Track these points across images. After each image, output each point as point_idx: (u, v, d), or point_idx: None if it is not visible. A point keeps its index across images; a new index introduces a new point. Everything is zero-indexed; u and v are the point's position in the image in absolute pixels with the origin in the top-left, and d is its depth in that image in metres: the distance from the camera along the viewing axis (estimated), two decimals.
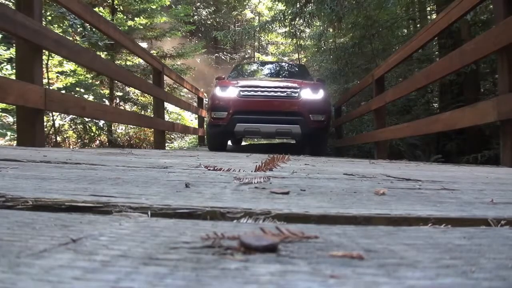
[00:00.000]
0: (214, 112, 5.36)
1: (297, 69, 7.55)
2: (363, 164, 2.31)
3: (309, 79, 6.48)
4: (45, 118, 4.53)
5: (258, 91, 5.27)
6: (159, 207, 0.63)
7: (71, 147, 7.52)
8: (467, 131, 5.92)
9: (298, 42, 14.01)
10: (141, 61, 8.36)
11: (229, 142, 8.93)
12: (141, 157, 2.16)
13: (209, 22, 22.62)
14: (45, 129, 5.91)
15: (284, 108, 5.23)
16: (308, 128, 5.20)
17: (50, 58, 6.80)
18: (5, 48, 6.61)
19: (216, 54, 23.74)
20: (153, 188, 0.83)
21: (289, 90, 5.27)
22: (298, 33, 12.71)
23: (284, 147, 8.37)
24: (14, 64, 4.47)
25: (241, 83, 5.46)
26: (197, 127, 10.07)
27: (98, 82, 8.85)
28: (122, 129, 9.52)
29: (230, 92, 5.32)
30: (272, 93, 5.26)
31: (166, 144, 8.25)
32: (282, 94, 5.27)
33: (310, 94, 5.33)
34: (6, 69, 6.52)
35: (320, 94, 5.41)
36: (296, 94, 5.27)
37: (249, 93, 5.27)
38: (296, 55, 17.09)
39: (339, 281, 0.33)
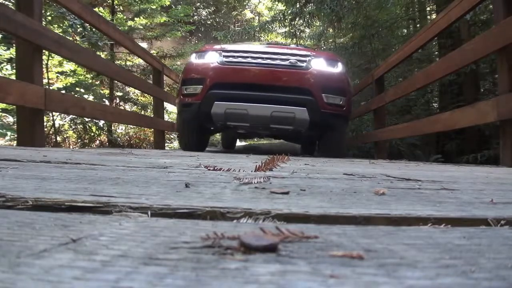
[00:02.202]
0: (186, 87, 3.86)
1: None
2: (363, 164, 2.31)
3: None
4: (45, 118, 4.53)
5: (248, 57, 3.77)
6: (159, 207, 0.63)
7: (71, 147, 7.52)
8: (467, 131, 5.92)
9: (298, 42, 14.02)
10: (141, 61, 8.36)
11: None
12: (141, 157, 2.16)
13: (209, 22, 22.61)
14: (45, 129, 5.91)
15: (285, 81, 3.70)
16: (320, 113, 3.65)
17: (50, 58, 6.80)
18: (5, 48, 6.60)
19: None
20: (153, 188, 0.84)
21: (293, 57, 3.78)
22: (298, 33, 12.70)
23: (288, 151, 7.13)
24: (14, 64, 4.47)
25: (226, 47, 4.04)
26: None
27: (98, 82, 8.85)
28: (122, 129, 9.51)
29: (210, 58, 3.80)
30: (269, 61, 3.73)
31: (166, 144, 8.25)
32: (284, 63, 3.75)
33: (324, 66, 3.82)
34: (6, 69, 6.52)
35: (338, 68, 3.90)
36: (304, 64, 3.75)
37: (235, 60, 3.77)
38: None
39: (339, 281, 0.33)
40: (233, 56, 3.80)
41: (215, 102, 3.63)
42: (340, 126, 4.07)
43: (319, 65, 3.82)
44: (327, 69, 3.84)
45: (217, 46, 4.06)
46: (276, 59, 3.77)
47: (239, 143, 14.08)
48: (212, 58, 3.81)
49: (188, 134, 4.18)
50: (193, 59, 3.98)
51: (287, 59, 3.77)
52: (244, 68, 3.72)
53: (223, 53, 3.80)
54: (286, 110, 3.63)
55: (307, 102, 3.64)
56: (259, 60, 3.76)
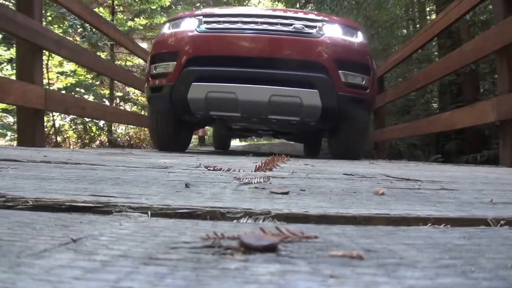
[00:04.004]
0: (155, 65, 3.01)
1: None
2: (363, 164, 2.31)
3: None
4: (45, 118, 4.54)
5: (238, 22, 2.85)
6: (159, 207, 0.63)
7: (71, 147, 7.52)
8: (466, 131, 5.92)
9: None
10: (141, 61, 8.36)
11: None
12: (141, 157, 2.16)
13: None
14: (45, 129, 5.91)
15: (288, 53, 2.80)
16: (336, 96, 2.77)
17: (50, 58, 6.80)
18: (6, 48, 6.61)
19: None
20: (153, 188, 0.84)
21: (299, 22, 2.84)
22: None
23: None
24: (14, 65, 4.48)
25: (208, 11, 3.14)
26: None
27: (98, 82, 8.84)
28: (122, 129, 9.51)
29: (187, 26, 2.92)
30: (266, 27, 2.82)
31: None
32: (286, 29, 2.82)
33: (340, 34, 2.91)
34: (7, 69, 6.52)
35: (358, 37, 2.99)
36: (313, 31, 2.84)
37: (220, 26, 2.87)
38: None
39: (339, 281, 0.33)
40: (218, 22, 2.88)
41: (193, 84, 2.74)
42: (362, 116, 3.08)
43: (334, 32, 2.88)
44: (344, 38, 2.90)
45: (198, 12, 3.10)
46: (276, 23, 2.83)
47: (238, 143, 14.06)
48: (189, 26, 2.90)
49: (162, 129, 3.24)
50: (166, 29, 3.07)
51: (291, 24, 2.82)
52: (232, 36, 2.82)
53: (205, 19, 2.90)
54: (290, 93, 2.70)
55: (319, 81, 2.72)
56: (253, 26, 2.83)
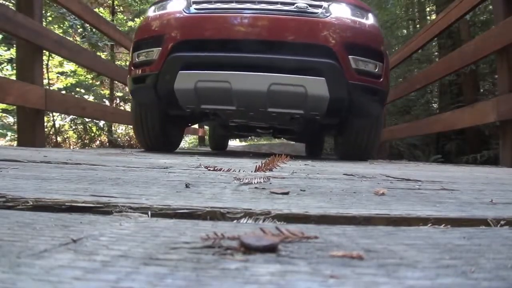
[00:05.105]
0: (138, 52, 2.67)
1: None
2: (363, 165, 2.32)
3: None
4: (45, 119, 4.54)
5: (231, 1, 2.55)
6: (159, 207, 0.63)
7: (71, 147, 7.52)
8: (466, 131, 5.93)
9: None
10: None
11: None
12: (141, 157, 2.16)
13: None
14: (46, 130, 5.91)
15: (290, 36, 2.49)
16: (346, 86, 2.45)
17: (50, 58, 6.81)
18: (6, 48, 6.61)
19: None
20: (153, 189, 0.84)
21: (302, 1, 2.53)
22: None
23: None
24: (14, 65, 4.48)
25: None
26: (197, 127, 10.08)
27: (98, 82, 8.86)
28: (122, 129, 9.52)
29: (173, 7, 2.61)
30: (264, 5, 2.52)
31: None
32: (288, 8, 2.51)
33: (348, 14, 2.60)
34: (7, 69, 6.52)
35: (369, 19, 2.67)
36: (319, 11, 2.53)
37: (210, 6, 2.56)
38: None
39: (339, 281, 0.33)
40: (209, 1, 2.57)
41: (180, 72, 2.42)
42: (376, 109, 2.75)
43: (342, 13, 2.57)
44: (354, 20, 2.59)
45: None
46: (276, 2, 2.53)
47: (238, 143, 14.05)
48: (177, 7, 2.59)
49: (147, 126, 2.91)
50: (151, 12, 2.75)
51: (293, 3, 2.52)
52: (225, 17, 2.50)
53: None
54: (292, 82, 2.40)
55: (326, 67, 2.40)
56: (249, 5, 2.52)
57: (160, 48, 2.50)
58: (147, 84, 2.59)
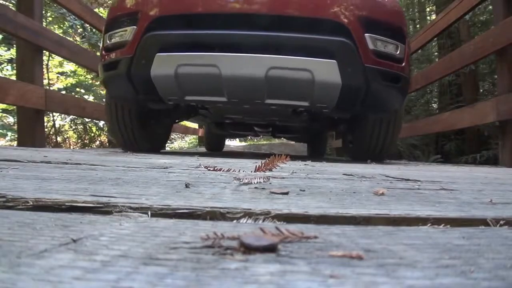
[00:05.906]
0: (110, 33, 2.26)
1: None
2: (362, 165, 2.31)
3: None
4: (45, 119, 4.54)
5: None
6: (159, 207, 0.63)
7: (71, 147, 7.52)
8: (466, 131, 5.93)
9: None
10: None
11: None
12: (141, 157, 2.16)
13: None
14: (46, 130, 5.91)
15: (293, 8, 2.04)
16: (362, 70, 2.02)
17: (50, 58, 6.81)
18: (6, 48, 6.61)
19: None
20: (153, 188, 0.84)
21: None
22: None
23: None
24: (14, 65, 4.48)
25: None
26: (197, 127, 10.08)
27: (98, 82, 8.85)
28: None
29: None
30: None
31: (166, 145, 8.24)
32: None
33: None
34: (7, 69, 6.53)
35: None
36: None
37: None
38: None
39: (339, 281, 0.33)
40: None
41: (158, 54, 2.02)
42: (397, 101, 2.31)
43: None
44: None
45: None
46: None
47: (238, 143, 14.04)
48: None
49: (123, 122, 2.52)
50: None
51: None
52: None
53: None
54: (296, 65, 1.96)
55: (338, 47, 1.97)
56: None
57: (135, 27, 2.09)
58: (119, 70, 2.16)
